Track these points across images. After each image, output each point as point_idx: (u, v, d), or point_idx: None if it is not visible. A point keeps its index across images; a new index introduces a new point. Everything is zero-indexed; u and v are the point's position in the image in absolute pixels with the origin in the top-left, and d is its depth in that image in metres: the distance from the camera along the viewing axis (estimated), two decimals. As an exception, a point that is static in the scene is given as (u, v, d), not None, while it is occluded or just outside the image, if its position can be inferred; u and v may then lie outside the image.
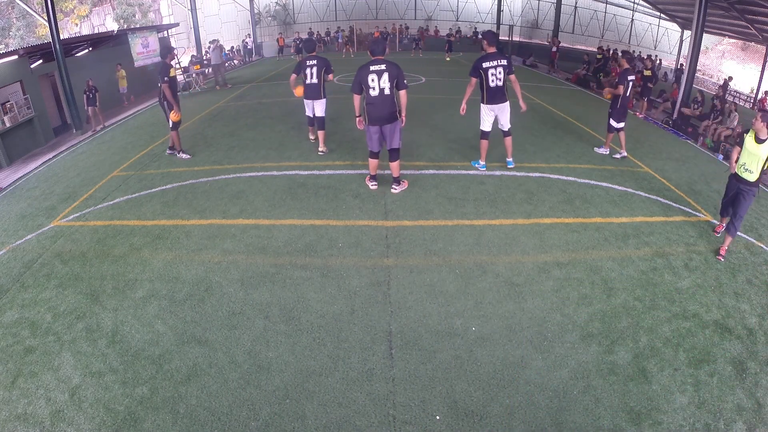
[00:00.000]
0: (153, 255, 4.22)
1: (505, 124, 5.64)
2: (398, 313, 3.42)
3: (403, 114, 4.90)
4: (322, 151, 6.51)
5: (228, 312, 3.46)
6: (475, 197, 5.18)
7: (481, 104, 5.55)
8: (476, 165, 5.97)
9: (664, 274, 3.96)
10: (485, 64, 5.29)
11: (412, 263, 4.00)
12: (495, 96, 5.41)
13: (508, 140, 5.79)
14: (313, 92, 6.35)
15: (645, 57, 13.62)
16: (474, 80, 5.43)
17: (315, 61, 6.21)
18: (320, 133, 6.51)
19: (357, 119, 4.94)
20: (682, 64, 16.83)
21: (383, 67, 4.67)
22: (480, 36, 20.45)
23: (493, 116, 5.58)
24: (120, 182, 5.99)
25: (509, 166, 5.91)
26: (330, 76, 6.34)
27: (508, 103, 5.50)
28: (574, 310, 3.48)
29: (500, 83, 5.34)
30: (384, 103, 4.74)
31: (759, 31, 13.51)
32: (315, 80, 6.26)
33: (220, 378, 2.88)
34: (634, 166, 6.51)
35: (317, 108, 6.48)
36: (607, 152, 6.85)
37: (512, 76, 5.43)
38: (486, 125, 5.63)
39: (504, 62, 5.32)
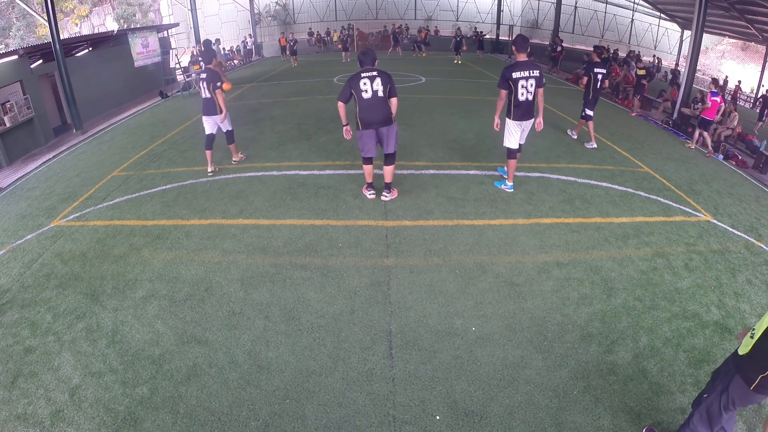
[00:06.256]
0: (153, 255, 4.22)
1: (523, 140, 5.19)
2: (398, 313, 3.42)
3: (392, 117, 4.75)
4: (235, 161, 6.33)
5: (228, 312, 3.46)
6: (475, 197, 5.18)
7: (507, 119, 5.03)
8: (502, 186, 5.41)
9: (664, 274, 3.96)
10: (515, 75, 4.75)
11: (412, 263, 4.00)
12: (524, 111, 4.92)
13: (517, 156, 5.32)
14: (206, 108, 5.86)
15: (637, 54, 13.63)
16: (504, 93, 4.89)
17: (204, 75, 5.73)
18: (231, 146, 6.26)
19: (344, 128, 4.74)
20: (676, 65, 16.85)
21: (375, 73, 4.55)
22: (477, 35, 20.53)
23: (520, 132, 5.08)
24: (120, 182, 5.99)
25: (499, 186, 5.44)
26: (226, 86, 5.85)
27: (533, 119, 5.04)
28: (574, 310, 3.48)
29: (531, 97, 4.84)
30: (378, 106, 4.59)
31: (759, 31, 13.53)
32: (207, 95, 5.76)
33: (220, 378, 2.88)
34: (634, 166, 6.51)
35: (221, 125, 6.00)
36: (575, 135, 7.61)
37: (541, 90, 4.89)
38: (512, 142, 5.10)
39: (537, 73, 4.78)
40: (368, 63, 4.61)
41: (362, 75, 4.57)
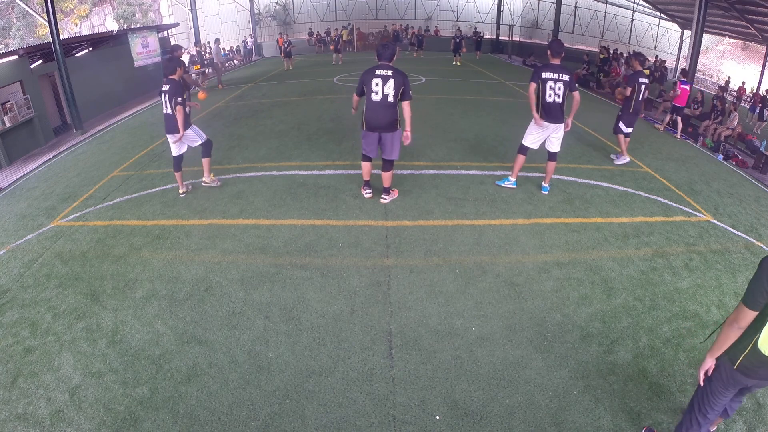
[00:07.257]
0: (153, 255, 4.22)
1: (555, 147, 5.13)
2: (398, 313, 3.42)
3: (408, 128, 4.56)
4: (205, 182, 5.56)
5: (228, 312, 3.46)
6: (475, 197, 5.18)
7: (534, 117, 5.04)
8: (504, 183, 5.41)
9: (664, 274, 3.96)
10: (545, 75, 4.80)
11: (412, 263, 4.00)
12: (549, 113, 4.90)
13: (552, 165, 5.22)
14: (168, 125, 5.10)
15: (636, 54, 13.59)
16: (533, 86, 4.85)
17: (167, 87, 4.94)
18: (204, 161, 5.46)
19: (353, 110, 4.87)
20: (664, 61, 16.73)
21: (390, 73, 4.41)
22: (475, 35, 20.53)
23: (542, 134, 5.06)
24: (120, 182, 5.99)
25: (543, 192, 5.34)
26: (201, 95, 5.17)
27: (563, 124, 4.99)
28: (574, 310, 3.48)
29: (559, 100, 4.81)
30: (385, 110, 4.47)
31: (759, 31, 13.54)
32: (168, 110, 5.01)
33: (220, 378, 2.88)
34: (634, 166, 6.51)
35: (187, 144, 5.29)
36: (628, 160, 6.60)
37: (575, 93, 4.89)
38: (529, 140, 5.11)
39: (566, 77, 4.79)
40: (385, 59, 4.49)
41: (376, 72, 4.46)
